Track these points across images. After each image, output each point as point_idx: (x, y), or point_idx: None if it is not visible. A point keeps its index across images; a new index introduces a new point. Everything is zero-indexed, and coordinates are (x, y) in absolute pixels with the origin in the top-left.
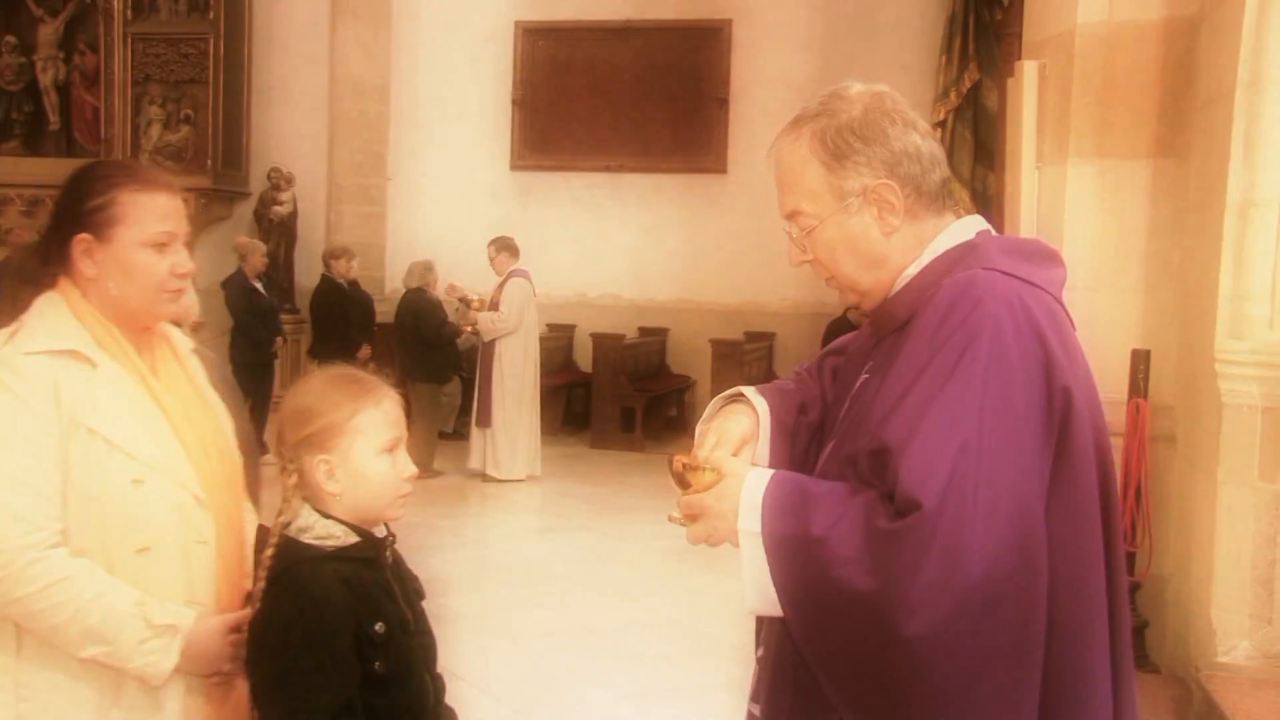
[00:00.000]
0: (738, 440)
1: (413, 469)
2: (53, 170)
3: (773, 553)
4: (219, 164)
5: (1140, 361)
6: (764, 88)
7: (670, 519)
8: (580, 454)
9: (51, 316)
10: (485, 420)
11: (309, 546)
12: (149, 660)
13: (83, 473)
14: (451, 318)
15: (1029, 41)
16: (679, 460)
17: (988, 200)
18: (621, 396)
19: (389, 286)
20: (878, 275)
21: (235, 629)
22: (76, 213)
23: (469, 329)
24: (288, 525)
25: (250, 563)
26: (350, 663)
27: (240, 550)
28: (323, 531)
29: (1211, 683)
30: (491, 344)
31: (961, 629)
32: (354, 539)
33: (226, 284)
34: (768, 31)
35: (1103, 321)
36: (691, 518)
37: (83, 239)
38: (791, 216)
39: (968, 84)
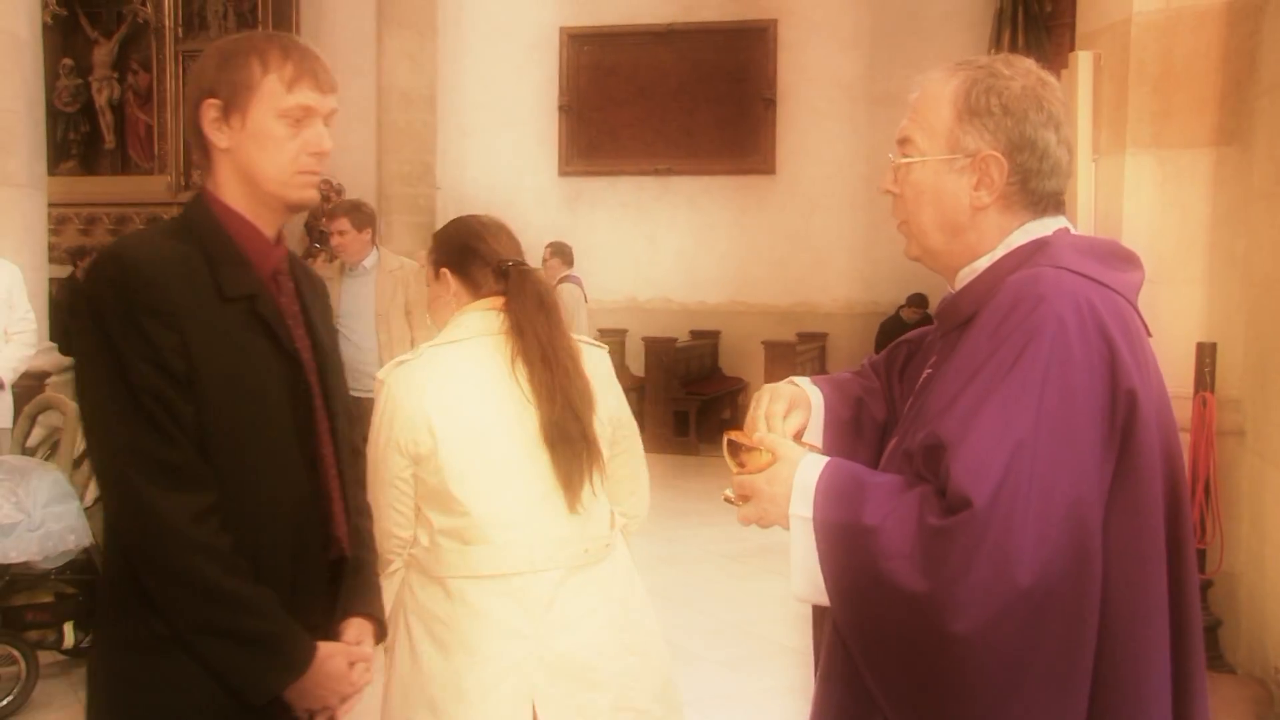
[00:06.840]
0: (786, 404)
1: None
2: (108, 189)
3: (823, 539)
4: None
5: (1206, 355)
6: (811, 87)
7: (725, 498)
8: None
9: None
10: None
11: None
12: None
13: None
14: None
15: (1082, 32)
16: (733, 439)
17: None
18: (674, 400)
19: None
20: (948, 243)
21: None
22: None
23: None
24: None
25: None
26: None
27: None
28: None
29: None
30: None
31: (1008, 630)
32: None
33: None
34: (813, 30)
35: (1165, 315)
36: (744, 498)
37: None
38: (902, 143)
39: None
